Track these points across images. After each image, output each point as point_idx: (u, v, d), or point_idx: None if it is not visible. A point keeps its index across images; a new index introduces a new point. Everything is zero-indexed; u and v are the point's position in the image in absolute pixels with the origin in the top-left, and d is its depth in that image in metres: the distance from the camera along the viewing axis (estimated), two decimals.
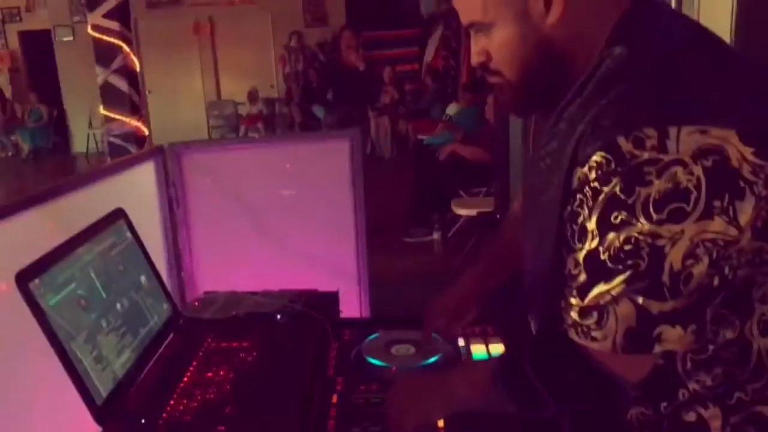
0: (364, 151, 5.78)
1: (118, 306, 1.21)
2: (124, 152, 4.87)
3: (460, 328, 1.42)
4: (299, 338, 1.39)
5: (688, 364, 0.88)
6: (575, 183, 0.87)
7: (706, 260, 0.78)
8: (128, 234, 1.34)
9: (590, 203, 0.83)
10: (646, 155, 0.78)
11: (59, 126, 11.72)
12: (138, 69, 4.75)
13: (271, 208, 2.27)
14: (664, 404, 0.91)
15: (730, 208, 0.78)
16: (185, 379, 1.20)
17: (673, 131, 0.78)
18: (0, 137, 11.64)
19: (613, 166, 0.80)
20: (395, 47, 10.37)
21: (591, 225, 0.84)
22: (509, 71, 0.96)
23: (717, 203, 0.78)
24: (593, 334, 0.84)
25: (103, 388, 1.07)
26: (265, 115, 10.61)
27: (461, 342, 1.43)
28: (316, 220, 2.31)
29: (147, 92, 10.87)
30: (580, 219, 0.86)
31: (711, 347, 0.86)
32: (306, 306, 1.53)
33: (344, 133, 2.38)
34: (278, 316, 1.49)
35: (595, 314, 0.84)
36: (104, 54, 4.63)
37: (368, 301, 2.41)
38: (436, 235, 5.18)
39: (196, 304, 1.58)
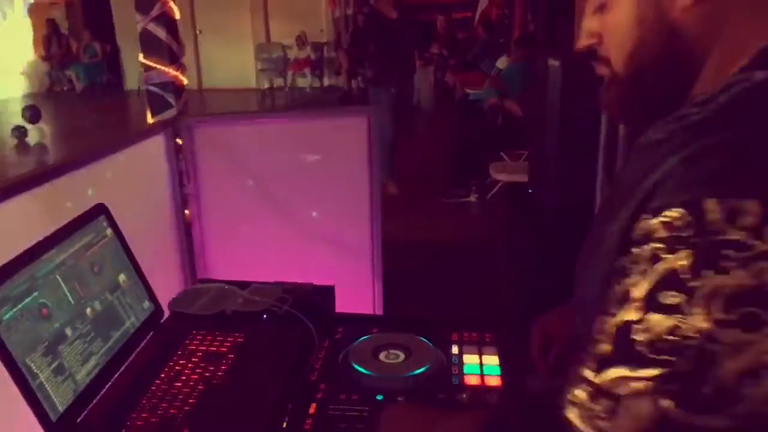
0: (406, 104, 5.66)
1: (88, 311, 1.18)
2: (161, 101, 4.88)
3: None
4: (282, 343, 1.35)
5: None
6: (637, 232, 0.69)
7: None
8: (108, 231, 1.31)
9: (644, 267, 0.66)
10: (734, 235, 0.60)
11: (113, 62, 11.87)
12: (178, 17, 4.70)
13: (283, 184, 2.22)
14: None
15: None
16: (153, 388, 1.18)
17: None
18: (56, 72, 11.87)
19: (687, 232, 0.63)
20: None
21: (637, 293, 0.66)
22: (618, 60, 0.78)
23: None
24: (599, 423, 0.67)
25: (60, 402, 1.05)
26: (313, 60, 10.49)
27: (455, 350, 1.37)
28: (329, 200, 2.26)
29: (198, 32, 10.86)
30: (628, 281, 0.68)
31: None
32: (297, 303, 1.49)
33: (362, 109, 2.29)
34: (264, 316, 1.46)
35: (606, 402, 0.67)
36: (143, 1, 4.59)
37: (381, 286, 2.36)
38: (473, 197, 5.09)
39: (186, 295, 1.55)
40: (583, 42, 0.82)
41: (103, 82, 11.89)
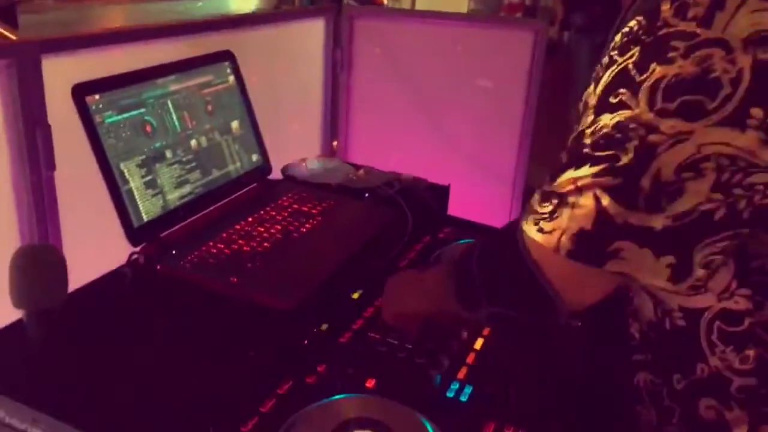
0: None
1: (193, 142, 1.24)
2: None
3: None
4: (370, 221, 1.34)
5: (714, 334, 0.69)
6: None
7: (711, 178, 0.59)
8: (231, 77, 1.35)
9: (601, 74, 0.68)
10: (681, 26, 0.61)
11: None
12: None
13: (436, 88, 2.17)
14: (677, 376, 0.73)
15: None
16: (237, 227, 1.22)
17: (732, 3, 0.59)
18: None
19: (640, 33, 0.64)
20: None
21: (592, 101, 0.68)
22: None
23: (756, 113, 0.57)
24: (542, 224, 0.69)
25: (146, 212, 1.12)
26: (527, 5, 10.08)
27: None
28: (480, 112, 2.17)
29: None
30: (586, 93, 0.71)
31: (747, 320, 0.67)
32: (403, 192, 1.46)
33: (531, 23, 2.15)
34: (366, 195, 1.44)
35: (554, 202, 0.68)
36: None
37: (519, 208, 2.26)
38: None
39: (303, 163, 1.58)
40: None
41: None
